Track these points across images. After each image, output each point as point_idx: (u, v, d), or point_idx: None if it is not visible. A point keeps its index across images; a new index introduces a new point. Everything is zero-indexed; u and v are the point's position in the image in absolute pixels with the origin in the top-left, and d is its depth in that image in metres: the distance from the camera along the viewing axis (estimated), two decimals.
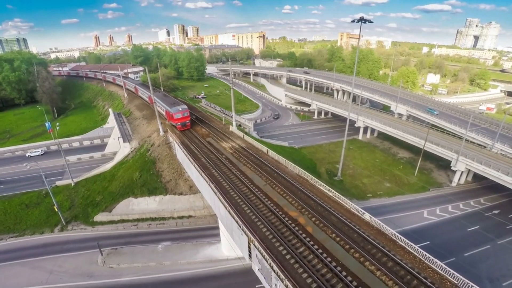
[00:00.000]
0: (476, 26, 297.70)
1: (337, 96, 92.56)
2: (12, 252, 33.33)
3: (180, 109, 42.35)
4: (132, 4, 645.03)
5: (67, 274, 29.98)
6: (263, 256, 17.35)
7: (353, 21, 37.78)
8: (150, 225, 35.81)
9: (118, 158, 47.39)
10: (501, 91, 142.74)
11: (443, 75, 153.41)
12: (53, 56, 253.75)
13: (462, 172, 48.32)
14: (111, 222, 36.17)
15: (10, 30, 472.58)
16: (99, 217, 36.56)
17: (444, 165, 52.28)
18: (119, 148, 51.84)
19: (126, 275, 29.57)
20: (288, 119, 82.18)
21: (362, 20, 37.13)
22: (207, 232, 34.92)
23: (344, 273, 17.14)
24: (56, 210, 35.80)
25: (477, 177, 50.01)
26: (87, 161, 56.28)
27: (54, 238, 35.31)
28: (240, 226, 20.01)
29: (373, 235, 20.00)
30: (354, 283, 16.55)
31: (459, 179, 49.34)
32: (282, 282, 15.60)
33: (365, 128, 66.63)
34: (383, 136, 65.68)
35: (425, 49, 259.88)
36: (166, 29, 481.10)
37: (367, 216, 21.64)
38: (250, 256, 19.91)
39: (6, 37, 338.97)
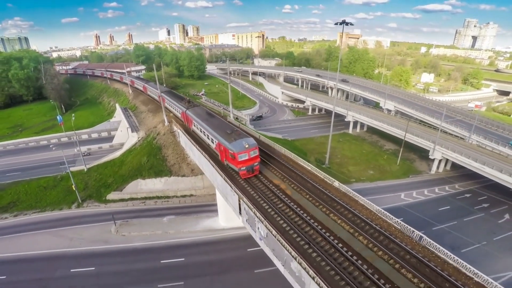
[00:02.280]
0: (474, 26, 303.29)
1: (331, 94, 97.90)
2: (36, 224, 38.71)
3: (247, 145, 26.83)
4: (133, 3, 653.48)
5: (86, 240, 35.31)
6: (249, 207, 22.66)
7: (336, 24, 43.06)
8: (156, 202, 41.19)
9: (126, 147, 52.80)
10: (493, 90, 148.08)
11: (437, 74, 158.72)
12: (54, 55, 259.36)
13: (439, 161, 53.56)
14: (122, 200, 41.53)
15: (10, 29, 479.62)
16: (111, 196, 41.92)
17: (426, 156, 57.37)
18: (126, 139, 57.19)
19: (136, 241, 34.89)
20: (283, 115, 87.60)
21: (344, 23, 42.42)
22: (206, 208, 40.25)
23: (312, 221, 22.40)
24: (74, 189, 41.14)
25: (455, 167, 55.20)
26: (96, 151, 61.65)
27: (72, 213, 40.67)
28: (232, 188, 25.33)
29: (339, 196, 25.26)
30: (319, 227, 21.81)
31: (437, 168, 54.60)
32: (262, 223, 20.88)
33: (355, 123, 71.95)
34: (372, 130, 70.91)
35: (423, 49, 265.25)
36: (167, 29, 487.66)
37: (336, 184, 26.90)
38: (240, 212, 25.19)
39: (7, 35, 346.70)
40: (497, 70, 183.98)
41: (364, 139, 68.50)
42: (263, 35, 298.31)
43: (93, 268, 31.23)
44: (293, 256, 18.05)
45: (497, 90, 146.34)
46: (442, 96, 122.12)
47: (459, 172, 54.92)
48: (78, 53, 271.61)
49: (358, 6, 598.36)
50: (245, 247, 33.37)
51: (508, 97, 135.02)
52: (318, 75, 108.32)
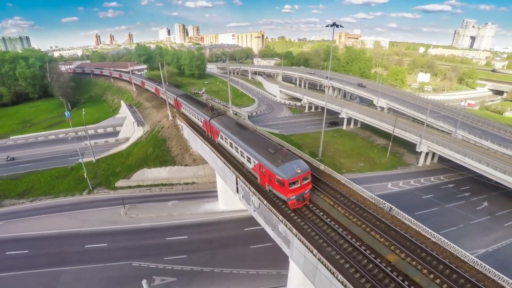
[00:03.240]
0: (473, 27, 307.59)
1: (328, 92, 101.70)
2: (51, 208, 42.60)
3: (299, 170, 22.07)
4: (133, 3, 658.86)
5: (97, 221, 39.14)
6: (245, 184, 26.47)
7: (327, 26, 46.97)
8: (161, 189, 45.04)
9: (132, 140, 56.68)
10: (489, 89, 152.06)
11: (434, 74, 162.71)
12: (55, 54, 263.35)
13: (426, 154, 57.34)
14: (129, 187, 45.36)
15: (10, 28, 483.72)
16: (119, 183, 45.75)
17: (414, 150, 60.99)
18: (132, 134, 61.05)
19: (143, 222, 38.73)
20: (281, 112, 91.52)
21: (334, 25, 46.36)
22: (207, 194, 44.10)
23: None
24: (86, 177, 45.02)
25: (442, 160, 58.93)
26: (103, 145, 65.49)
27: (83, 199, 44.53)
28: (230, 169, 29.17)
29: (322, 175, 29.04)
30: (311, 205, 25.52)
31: (424, 160, 58.39)
32: (255, 195, 24.70)
33: (349, 119, 75.80)
34: (365, 126, 74.73)
35: (421, 49, 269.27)
36: (167, 28, 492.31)
37: (322, 167, 30.70)
38: (237, 190, 29.00)
39: (7, 35, 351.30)
40: (493, 70, 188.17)
41: (357, 134, 72.36)
42: (262, 35, 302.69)
43: (105, 244, 35.06)
44: (280, 220, 21.87)
45: (492, 90, 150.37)
46: (437, 95, 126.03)
47: (445, 165, 58.59)
48: (79, 53, 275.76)
49: (358, 6, 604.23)
50: (242, 227, 37.22)
51: (502, 96, 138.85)
52: (311, 73, 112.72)
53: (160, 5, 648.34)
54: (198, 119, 41.56)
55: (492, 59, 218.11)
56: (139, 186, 45.54)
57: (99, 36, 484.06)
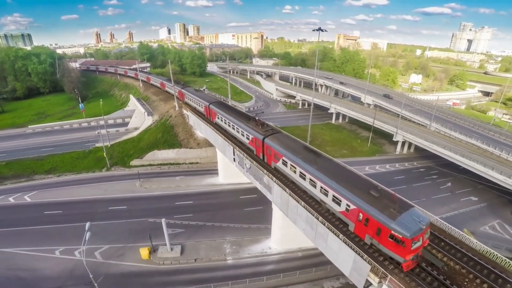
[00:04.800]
0: (470, 30, 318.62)
1: (321, 90, 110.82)
2: (76, 181, 51.25)
3: (423, 225, 18.14)
4: (133, 1, 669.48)
5: (117, 190, 47.75)
6: (239, 152, 35.23)
7: (314, 30, 55.82)
8: (170, 167, 53.69)
9: (143, 128, 65.41)
10: (478, 91, 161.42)
11: (426, 75, 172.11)
12: (58, 51, 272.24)
13: (403, 143, 66.12)
14: (142, 165, 53.97)
15: (9, 25, 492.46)
16: (133, 162, 54.42)
17: (394, 141, 69.97)
18: (141, 123, 69.71)
19: (156, 191, 47.38)
20: (276, 108, 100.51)
21: (320, 29, 55.16)
22: (209, 171, 52.83)
23: None
24: (105, 156, 53.67)
25: (417, 150, 67.64)
26: (114, 134, 73.95)
27: (103, 174, 53.15)
28: (229, 143, 37.96)
29: None
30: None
31: (402, 149, 67.18)
32: (247, 159, 33.44)
33: (338, 114, 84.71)
34: (352, 121, 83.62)
35: (418, 52, 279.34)
36: (167, 27, 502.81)
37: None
38: (234, 159, 37.68)
39: (7, 32, 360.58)
40: (485, 73, 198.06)
41: (344, 127, 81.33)
42: (262, 36, 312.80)
43: (125, 207, 43.64)
44: (265, 173, 30.61)
45: (481, 91, 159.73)
46: (426, 95, 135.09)
47: (420, 154, 67.38)
48: (81, 50, 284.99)
49: (358, 8, 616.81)
50: (238, 195, 45.98)
51: (489, 97, 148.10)
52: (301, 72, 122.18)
53: (160, 3, 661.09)
54: (242, 134, 36.73)
55: (486, 62, 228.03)
56: (150, 165, 54.19)
57: (99, 34, 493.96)
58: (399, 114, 68.91)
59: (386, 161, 63.34)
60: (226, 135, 40.50)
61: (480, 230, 43.33)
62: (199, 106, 52.54)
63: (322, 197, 24.29)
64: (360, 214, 20.40)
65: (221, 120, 43.17)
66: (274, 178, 29.38)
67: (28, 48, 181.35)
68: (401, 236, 17.68)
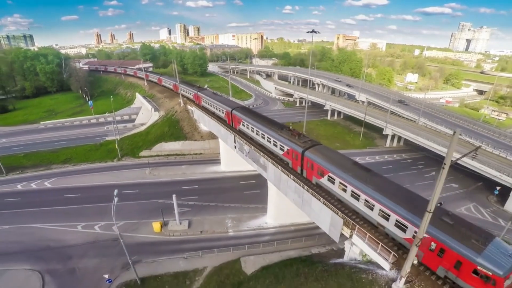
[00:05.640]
0: (469, 30, 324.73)
1: (318, 89, 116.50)
2: (91, 169, 56.99)
3: None
4: (133, 1, 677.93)
5: (129, 177, 53.36)
6: (240, 139, 40.86)
7: (308, 32, 61.48)
8: (176, 157, 59.39)
9: (150, 122, 71.16)
10: (473, 89, 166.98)
11: (423, 74, 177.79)
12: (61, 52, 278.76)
13: (392, 136, 71.60)
14: (151, 156, 59.61)
15: (9, 25, 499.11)
16: (142, 153, 60.09)
17: (385, 135, 75.40)
18: (148, 119, 75.47)
19: (164, 178, 53.03)
20: (275, 106, 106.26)
21: (313, 31, 60.84)
22: (212, 161, 58.49)
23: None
24: (116, 147, 59.29)
25: (407, 143, 73.08)
26: (122, 129, 79.59)
27: (115, 164, 58.83)
28: (230, 132, 43.59)
29: None
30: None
31: (391, 142, 72.67)
32: (246, 145, 39.06)
33: (333, 111, 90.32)
34: (347, 117, 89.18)
35: (417, 52, 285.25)
36: (168, 28, 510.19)
37: None
38: (235, 146, 43.26)
39: (7, 32, 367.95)
40: (482, 72, 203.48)
41: (338, 123, 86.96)
42: (261, 36, 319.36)
43: (137, 191, 49.21)
44: (261, 155, 36.19)
45: (476, 90, 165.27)
46: (421, 93, 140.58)
47: (409, 147, 72.83)
48: (83, 51, 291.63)
49: (359, 8, 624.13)
50: (238, 181, 51.60)
51: (482, 95, 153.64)
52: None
53: (161, 4, 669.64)
54: (274, 144, 35.03)
55: (483, 62, 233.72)
56: (158, 155, 59.83)
57: (100, 34, 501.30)
58: (389, 110, 74.51)
59: (376, 153, 68.83)
60: (251, 143, 39.87)
61: (457, 211, 48.64)
62: (219, 111, 50.63)
63: (380, 220, 22.27)
64: (433, 243, 18.61)
65: (247, 128, 41.24)
66: (268, 159, 35.01)
67: (31, 48, 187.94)
68: (491, 274, 15.69)
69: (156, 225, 39.03)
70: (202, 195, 47.53)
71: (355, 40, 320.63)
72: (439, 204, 20.27)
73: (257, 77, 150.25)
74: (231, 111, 45.81)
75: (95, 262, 34.97)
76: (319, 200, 27.30)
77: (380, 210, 22.09)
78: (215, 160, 57.78)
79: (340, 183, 25.62)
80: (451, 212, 20.25)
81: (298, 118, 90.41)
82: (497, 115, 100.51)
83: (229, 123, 47.50)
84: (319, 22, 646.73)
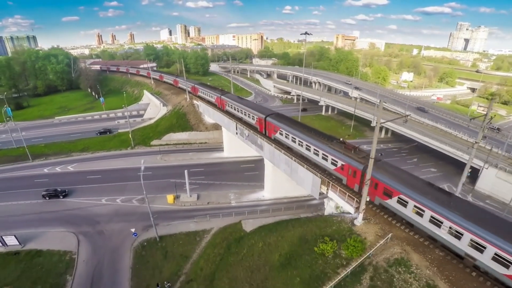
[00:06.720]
0: (467, 29, 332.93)
1: (315, 87, 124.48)
2: (108, 156, 64.98)
3: None
4: (133, 2, 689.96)
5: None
6: (240, 125, 48.73)
7: (302, 34, 69.44)
8: (183, 146, 67.34)
9: (158, 116, 79.15)
10: (467, 88, 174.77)
11: (418, 73, 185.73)
12: None
13: (380, 128, 79.25)
14: (160, 144, 67.53)
15: (10, 26, 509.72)
16: (153, 142, 68.08)
17: (374, 127, 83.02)
18: (156, 113, 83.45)
19: (173, 162, 60.88)
20: (273, 103, 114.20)
21: (306, 33, 68.84)
22: (216, 149, 66.42)
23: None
24: (130, 137, 67.18)
25: (394, 135, 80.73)
26: (131, 123, 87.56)
27: (129, 152, 66.76)
28: (232, 120, 51.45)
29: None
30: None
31: (380, 133, 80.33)
32: (246, 130, 46.92)
33: (327, 107, 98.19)
34: (341, 112, 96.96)
35: (415, 51, 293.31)
36: (168, 29, 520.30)
37: None
38: (236, 132, 51.05)
39: (8, 33, 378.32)
40: (477, 71, 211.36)
41: (332, 118, 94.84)
42: (261, 37, 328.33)
43: (151, 172, 56.95)
44: (259, 137, 43.98)
45: (469, 88, 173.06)
46: (415, 91, 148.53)
47: (396, 138, 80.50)
48: (86, 51, 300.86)
49: (359, 8, 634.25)
50: (239, 165, 59.44)
51: (474, 93, 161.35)
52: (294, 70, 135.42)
53: (161, 4, 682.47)
54: (323, 157, 33.90)
55: (479, 61, 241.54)
56: (167, 144, 67.77)
57: (101, 35, 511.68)
58: (377, 104, 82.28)
59: (364, 143, 76.24)
60: (289, 152, 39.85)
61: None
62: (250, 117, 49.33)
63: (471, 251, 20.31)
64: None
65: (285, 137, 40.19)
66: (264, 139, 42.81)
67: (35, 49, 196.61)
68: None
69: (170, 197, 46.81)
70: (208, 176, 55.33)
71: (354, 40, 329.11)
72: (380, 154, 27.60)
73: (257, 76, 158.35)
74: (265, 118, 44.54)
75: (120, 226, 42.81)
76: (303, 166, 35.04)
77: (471, 240, 20.04)
78: (219, 148, 65.63)
79: (416, 206, 23.29)
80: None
81: (294, 113, 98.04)
82: (482, 110, 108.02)
83: (261, 131, 46.47)
84: (319, 22, 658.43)
